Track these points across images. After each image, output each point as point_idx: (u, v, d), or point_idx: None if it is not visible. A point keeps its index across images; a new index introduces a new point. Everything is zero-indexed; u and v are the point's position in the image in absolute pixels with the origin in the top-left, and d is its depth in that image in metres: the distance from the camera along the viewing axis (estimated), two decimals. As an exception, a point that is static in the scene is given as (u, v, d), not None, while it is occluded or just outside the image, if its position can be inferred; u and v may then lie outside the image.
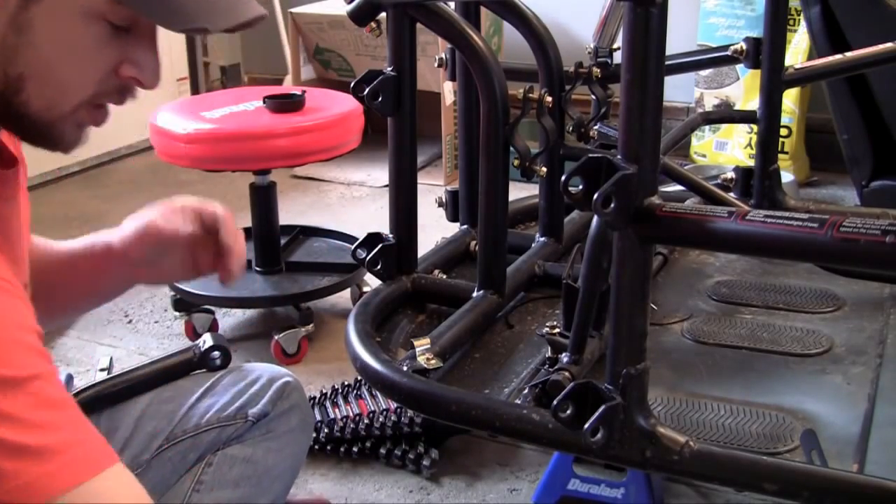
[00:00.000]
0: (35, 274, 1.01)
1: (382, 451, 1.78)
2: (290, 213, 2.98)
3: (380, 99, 1.39)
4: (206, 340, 1.22)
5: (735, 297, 1.58)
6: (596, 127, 1.69)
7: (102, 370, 1.89)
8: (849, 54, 1.75)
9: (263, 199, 2.31)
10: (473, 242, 1.59)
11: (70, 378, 1.91)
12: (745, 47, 1.69)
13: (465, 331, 1.36)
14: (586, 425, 0.99)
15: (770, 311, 1.53)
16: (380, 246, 1.44)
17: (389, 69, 1.39)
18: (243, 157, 2.17)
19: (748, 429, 1.21)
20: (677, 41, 1.44)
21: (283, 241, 2.41)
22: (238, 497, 1.15)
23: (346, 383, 1.93)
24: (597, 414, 0.99)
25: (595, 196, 0.93)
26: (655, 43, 0.93)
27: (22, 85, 0.81)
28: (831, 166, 3.21)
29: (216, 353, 1.22)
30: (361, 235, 1.46)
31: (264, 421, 1.19)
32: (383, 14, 1.38)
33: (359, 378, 1.88)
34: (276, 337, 2.19)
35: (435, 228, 1.70)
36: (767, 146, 1.73)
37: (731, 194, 1.67)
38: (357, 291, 2.38)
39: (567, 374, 1.18)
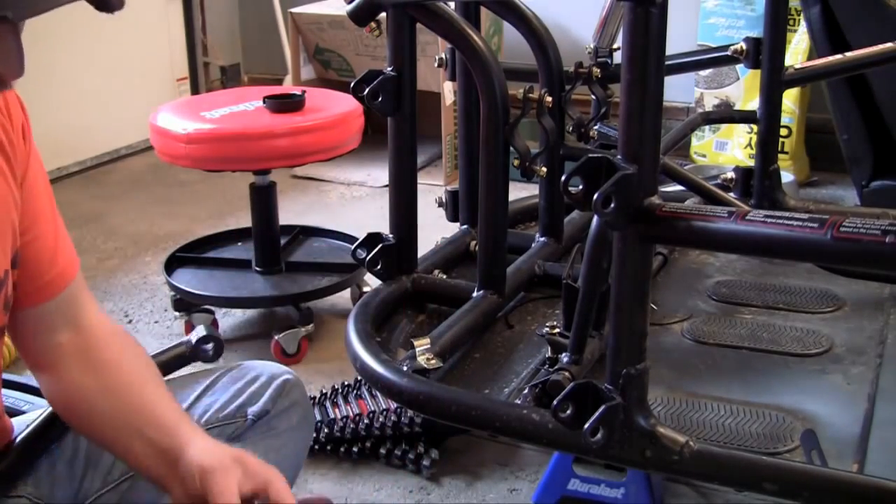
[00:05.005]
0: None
1: (382, 451, 1.78)
2: (290, 213, 2.98)
3: (380, 99, 1.38)
4: (198, 332, 1.21)
5: (735, 297, 1.58)
6: (596, 127, 1.69)
7: (102, 370, 1.89)
8: (849, 54, 1.75)
9: (263, 199, 2.31)
10: (473, 242, 1.59)
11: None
12: (745, 47, 1.69)
13: (465, 331, 1.37)
14: (586, 425, 0.99)
15: (770, 311, 1.53)
16: (380, 246, 1.44)
17: (389, 69, 1.39)
18: (243, 157, 2.17)
19: (748, 429, 1.21)
20: (677, 41, 1.44)
21: (283, 241, 2.41)
22: None
23: (346, 383, 1.93)
24: (597, 414, 0.99)
25: (595, 196, 0.93)
26: (655, 43, 0.93)
27: None
28: (831, 166, 3.21)
29: (208, 345, 1.20)
30: (361, 235, 1.46)
31: (265, 419, 1.18)
32: (383, 14, 1.38)
33: (359, 378, 1.88)
34: (276, 337, 2.18)
35: (435, 228, 1.69)
36: (767, 146, 1.73)
37: (731, 194, 1.67)
38: (357, 291, 2.37)
39: (567, 374, 1.18)
